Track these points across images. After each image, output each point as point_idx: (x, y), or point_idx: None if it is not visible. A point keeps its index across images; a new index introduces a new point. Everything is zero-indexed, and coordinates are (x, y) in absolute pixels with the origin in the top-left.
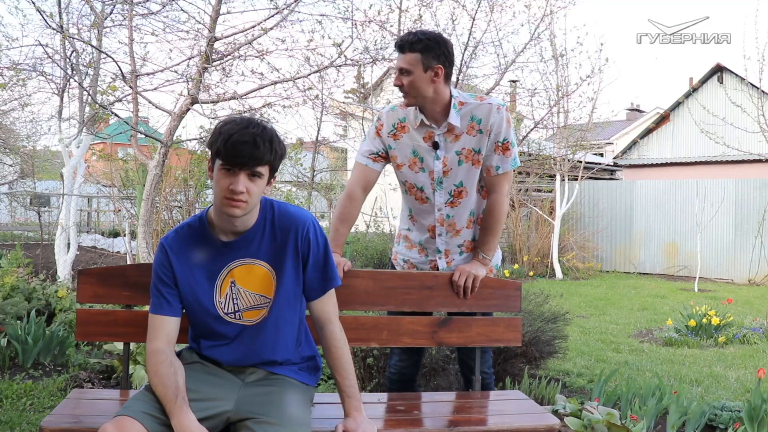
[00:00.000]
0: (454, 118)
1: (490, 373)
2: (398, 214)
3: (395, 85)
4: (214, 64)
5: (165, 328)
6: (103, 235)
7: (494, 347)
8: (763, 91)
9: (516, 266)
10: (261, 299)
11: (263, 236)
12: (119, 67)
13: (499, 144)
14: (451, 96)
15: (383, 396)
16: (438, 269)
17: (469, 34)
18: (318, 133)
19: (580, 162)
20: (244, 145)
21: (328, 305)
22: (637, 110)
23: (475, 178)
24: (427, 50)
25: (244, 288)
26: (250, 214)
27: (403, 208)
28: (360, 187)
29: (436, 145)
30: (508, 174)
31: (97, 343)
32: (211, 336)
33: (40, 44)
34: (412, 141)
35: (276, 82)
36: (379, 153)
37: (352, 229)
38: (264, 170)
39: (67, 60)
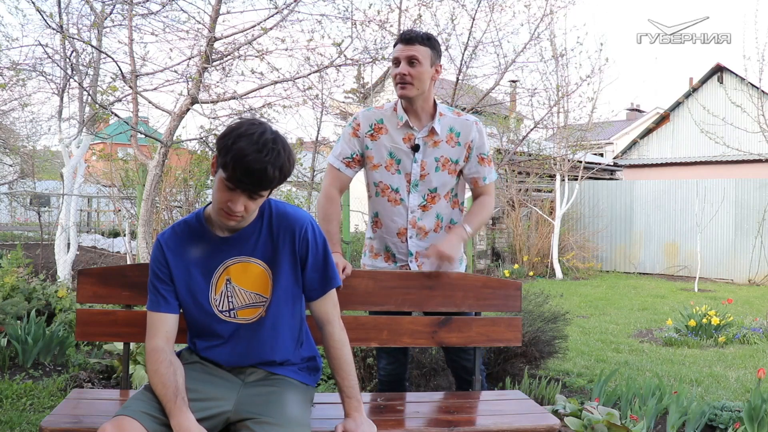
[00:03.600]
0: (437, 124)
1: (482, 369)
2: None
3: (398, 74)
4: (214, 64)
5: (163, 326)
6: (103, 235)
7: (494, 347)
8: (763, 91)
9: (516, 266)
10: (257, 298)
11: (260, 235)
12: (119, 67)
13: (484, 156)
14: (435, 102)
15: (382, 396)
16: None
17: (469, 34)
18: (318, 133)
19: (580, 162)
20: (253, 174)
21: (328, 305)
22: (637, 110)
23: (448, 186)
24: (434, 48)
25: (240, 286)
26: None
27: (369, 215)
28: (336, 189)
29: (416, 148)
30: (493, 182)
31: (97, 343)
32: (207, 335)
33: (40, 44)
34: (390, 142)
35: (276, 82)
36: (354, 156)
37: (352, 229)
38: (266, 192)
39: (67, 60)
